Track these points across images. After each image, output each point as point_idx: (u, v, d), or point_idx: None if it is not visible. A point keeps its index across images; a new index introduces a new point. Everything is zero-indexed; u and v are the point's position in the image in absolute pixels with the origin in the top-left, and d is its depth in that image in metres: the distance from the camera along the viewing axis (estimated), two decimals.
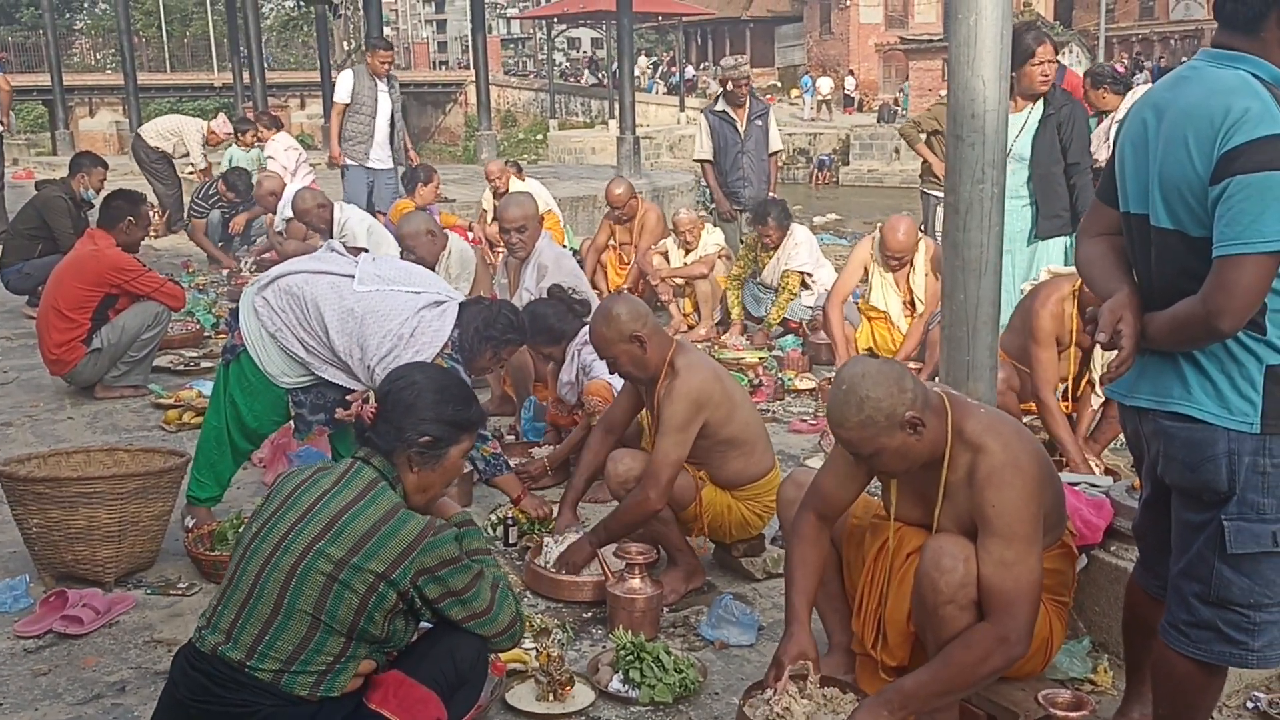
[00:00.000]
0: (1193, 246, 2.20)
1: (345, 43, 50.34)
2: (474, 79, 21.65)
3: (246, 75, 18.42)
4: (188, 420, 5.57)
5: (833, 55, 43.75)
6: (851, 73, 41.00)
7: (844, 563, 3.00)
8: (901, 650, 2.79)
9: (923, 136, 7.89)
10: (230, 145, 11.84)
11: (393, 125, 9.61)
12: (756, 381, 6.17)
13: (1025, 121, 5.28)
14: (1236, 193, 2.08)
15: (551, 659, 3.03)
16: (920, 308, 6.19)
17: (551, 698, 3.00)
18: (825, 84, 36.32)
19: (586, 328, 4.18)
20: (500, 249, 6.70)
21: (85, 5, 57.48)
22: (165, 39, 46.19)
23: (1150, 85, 2.95)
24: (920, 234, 6.28)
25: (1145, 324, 2.29)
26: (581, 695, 3.04)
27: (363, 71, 9.51)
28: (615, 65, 27.98)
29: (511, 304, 4.59)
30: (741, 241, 7.86)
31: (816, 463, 4.85)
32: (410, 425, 2.58)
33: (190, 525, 4.07)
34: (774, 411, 5.81)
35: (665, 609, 3.54)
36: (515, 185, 9.17)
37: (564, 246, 7.15)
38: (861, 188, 28.75)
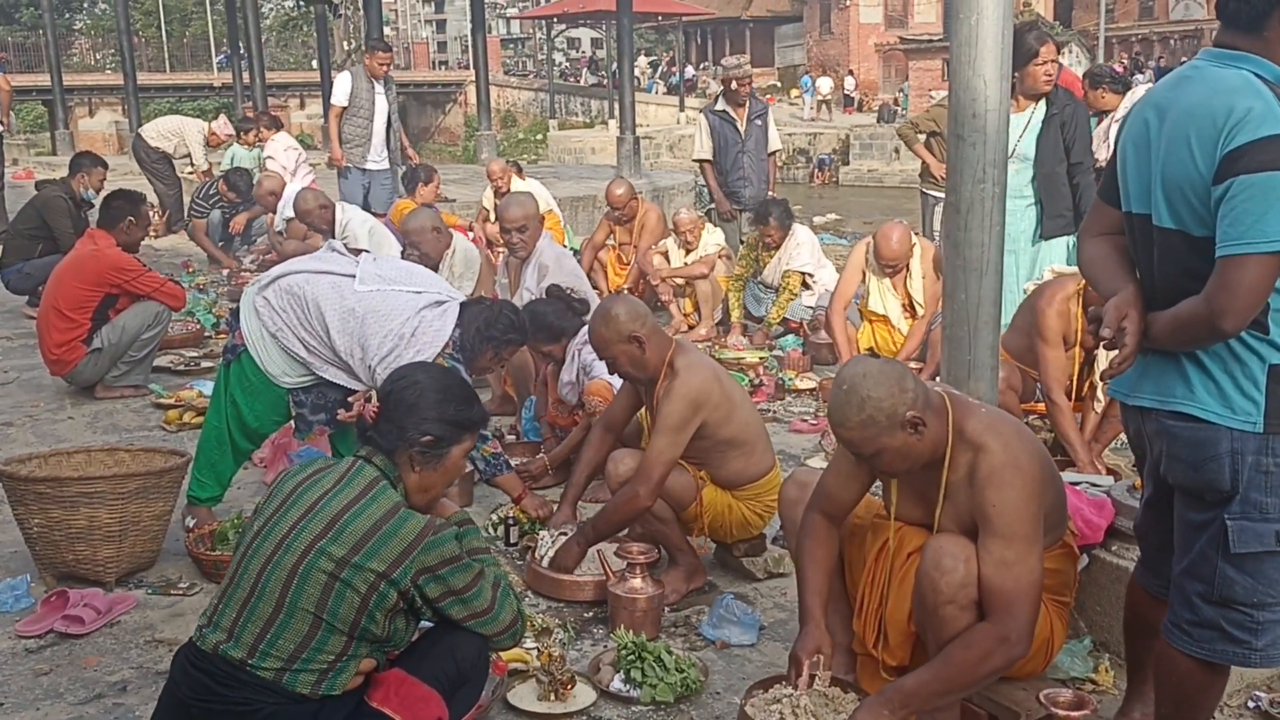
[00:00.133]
0: (1195, 246, 2.20)
1: (345, 43, 50.34)
2: (474, 79, 21.66)
3: (246, 75, 18.41)
4: (188, 420, 5.57)
5: (832, 55, 43.77)
6: (851, 73, 41.02)
7: (845, 563, 2.99)
8: (902, 650, 2.79)
9: (921, 138, 7.90)
10: (233, 145, 11.85)
11: (389, 126, 9.61)
12: (757, 381, 6.17)
13: (1029, 121, 5.29)
14: (1240, 193, 2.08)
15: (553, 659, 3.03)
16: (920, 311, 6.18)
17: (553, 697, 3.00)
18: (825, 84, 36.33)
19: (587, 327, 4.18)
20: (501, 249, 6.69)
21: (85, 5, 57.49)
22: (165, 39, 46.19)
23: (1152, 85, 2.95)
24: (916, 237, 6.27)
25: (1148, 323, 2.29)
26: (583, 695, 3.04)
27: (360, 73, 9.50)
28: (615, 65, 27.98)
29: (513, 304, 4.59)
30: (742, 241, 7.85)
31: (817, 462, 4.85)
32: (412, 425, 2.58)
33: (191, 525, 4.07)
34: (774, 411, 5.81)
35: (666, 609, 3.54)
36: (516, 185, 9.17)
37: (564, 246, 7.15)
38: (861, 188, 28.76)
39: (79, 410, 5.95)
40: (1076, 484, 3.43)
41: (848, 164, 30.73)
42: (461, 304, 4.04)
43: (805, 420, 5.65)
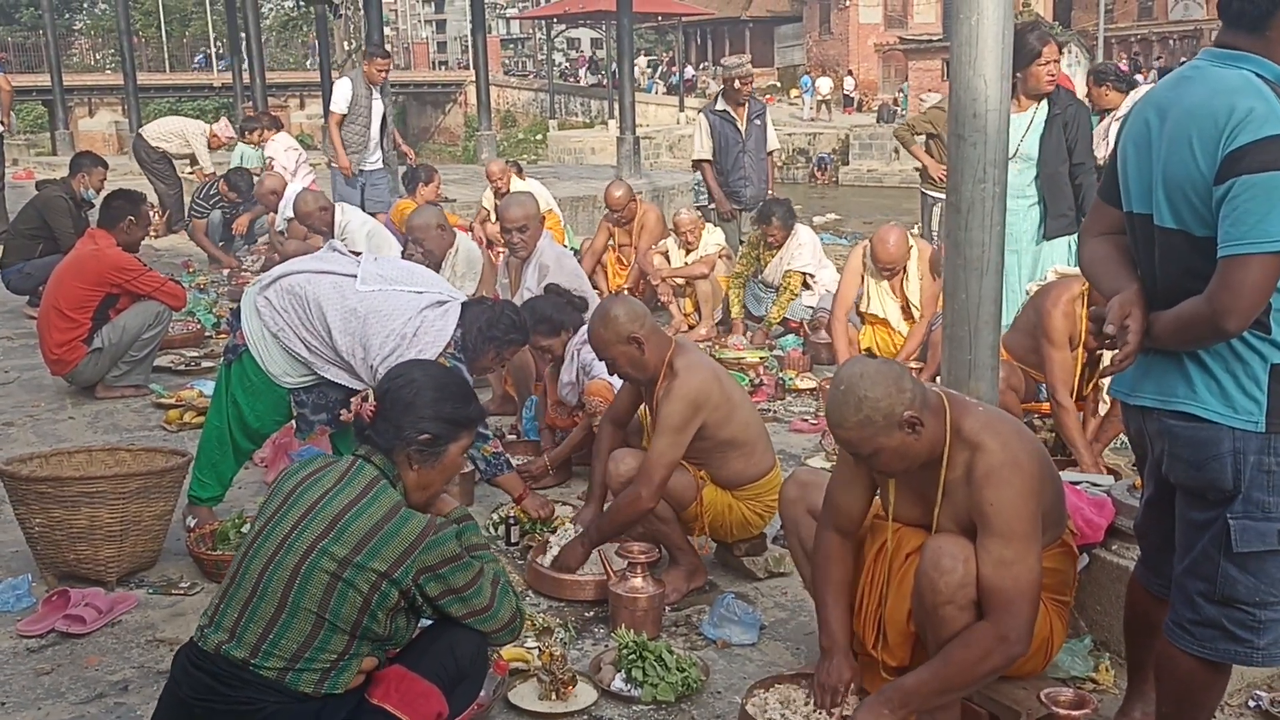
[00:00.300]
0: (1197, 246, 2.20)
1: (345, 43, 50.34)
2: (474, 79, 21.69)
3: (246, 75, 18.42)
4: (189, 420, 5.57)
5: (832, 55, 43.80)
6: (851, 73, 41.04)
7: None
8: (902, 650, 2.79)
9: (918, 139, 7.91)
10: (237, 144, 11.88)
11: (383, 128, 9.63)
12: (757, 381, 6.17)
13: (1031, 121, 5.29)
14: (1242, 193, 2.08)
15: (554, 658, 3.03)
16: (918, 314, 6.18)
17: (554, 696, 3.00)
18: (825, 84, 36.36)
19: (586, 328, 4.18)
20: (501, 249, 6.70)
21: (85, 5, 57.48)
22: (165, 39, 46.21)
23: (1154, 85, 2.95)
24: (913, 240, 6.27)
25: (1150, 323, 2.29)
26: (584, 694, 3.04)
27: (359, 79, 9.53)
28: (615, 65, 27.99)
29: (514, 304, 4.59)
30: (742, 241, 7.85)
31: (817, 462, 4.85)
32: (409, 423, 2.58)
33: (192, 525, 4.08)
34: (774, 411, 5.82)
35: (667, 608, 3.54)
36: (516, 185, 9.17)
37: (564, 246, 7.15)
38: (861, 188, 28.78)
39: (80, 410, 5.95)
40: (1077, 483, 3.43)
41: (847, 164, 30.75)
42: (463, 304, 4.04)
43: (805, 420, 5.65)
